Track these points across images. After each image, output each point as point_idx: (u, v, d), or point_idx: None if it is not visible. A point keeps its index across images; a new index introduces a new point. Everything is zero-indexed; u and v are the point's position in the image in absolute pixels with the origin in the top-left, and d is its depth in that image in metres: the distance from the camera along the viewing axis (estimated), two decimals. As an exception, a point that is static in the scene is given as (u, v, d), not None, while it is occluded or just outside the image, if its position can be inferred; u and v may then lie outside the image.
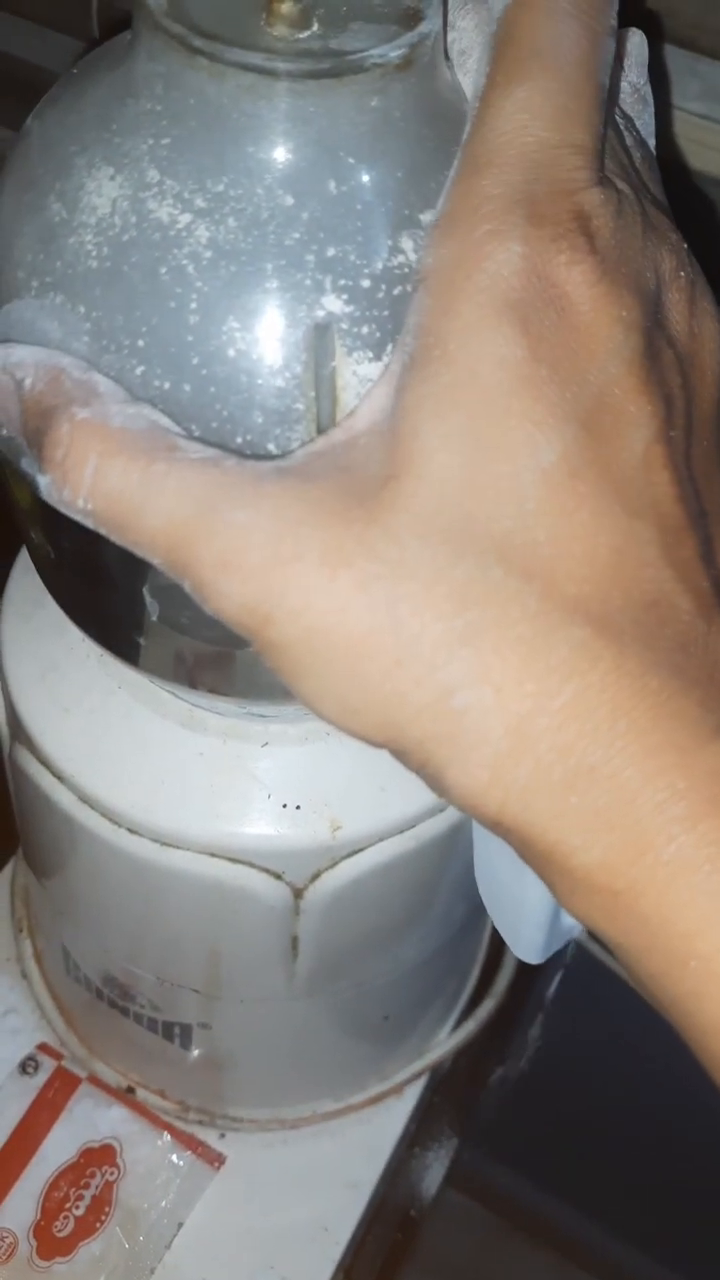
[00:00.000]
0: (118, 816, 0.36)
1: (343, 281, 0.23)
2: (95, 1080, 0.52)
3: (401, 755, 0.21)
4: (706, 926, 0.19)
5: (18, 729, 0.39)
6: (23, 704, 0.38)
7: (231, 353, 0.23)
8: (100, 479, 0.21)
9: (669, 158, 0.42)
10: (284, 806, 0.36)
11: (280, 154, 0.23)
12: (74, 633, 0.35)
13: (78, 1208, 0.50)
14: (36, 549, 0.31)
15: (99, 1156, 0.51)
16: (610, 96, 0.23)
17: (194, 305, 0.23)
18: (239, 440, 0.24)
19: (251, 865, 0.36)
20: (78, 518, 0.21)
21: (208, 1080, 0.51)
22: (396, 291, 0.23)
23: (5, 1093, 0.52)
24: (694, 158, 0.43)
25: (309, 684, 0.20)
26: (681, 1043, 0.21)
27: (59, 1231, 0.49)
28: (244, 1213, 0.51)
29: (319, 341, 0.23)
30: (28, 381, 0.22)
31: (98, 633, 0.33)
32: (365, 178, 0.24)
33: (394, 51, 0.23)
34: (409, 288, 0.23)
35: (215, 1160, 0.52)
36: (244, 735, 0.36)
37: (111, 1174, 0.50)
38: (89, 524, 0.21)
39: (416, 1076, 0.55)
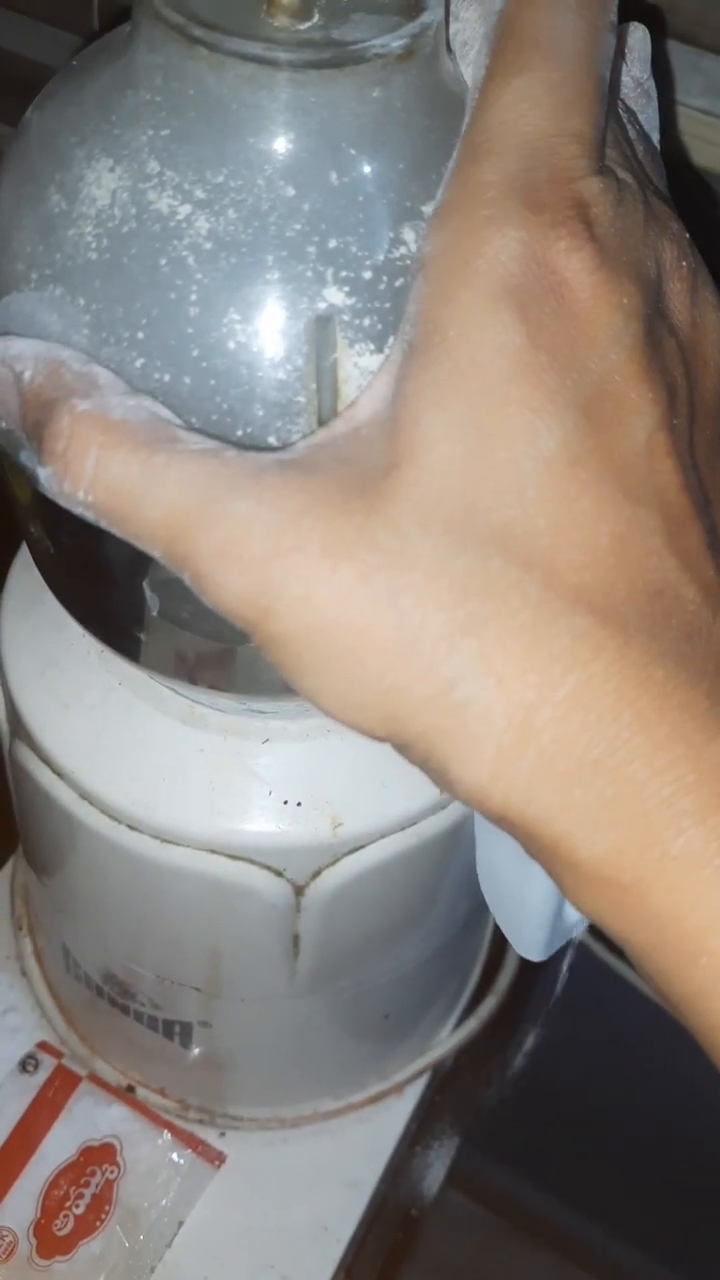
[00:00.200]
0: (118, 813, 0.36)
1: (344, 273, 0.23)
2: (95, 1079, 0.52)
3: (404, 749, 0.21)
4: (718, 923, 0.19)
5: (17, 725, 0.38)
6: (22, 700, 0.38)
7: (232, 345, 0.23)
8: (101, 470, 0.21)
9: (671, 153, 0.42)
10: (285, 803, 0.36)
11: (281, 145, 0.23)
12: (74, 629, 0.35)
13: (78, 1206, 0.49)
14: (36, 544, 0.31)
15: (99, 1155, 0.51)
16: (611, 89, 0.23)
17: (194, 297, 0.23)
18: (240, 433, 0.24)
19: (252, 862, 0.36)
20: (78, 510, 0.21)
21: (208, 1079, 0.50)
22: (398, 283, 0.23)
23: (5, 1091, 0.52)
24: (697, 153, 0.43)
25: (310, 678, 0.20)
26: (683, 1042, 0.21)
27: (59, 1230, 0.49)
28: (244, 1212, 0.51)
29: (320, 333, 0.23)
30: (27, 374, 0.22)
31: (98, 628, 0.33)
32: (367, 169, 0.23)
33: (396, 42, 0.23)
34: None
35: (215, 1159, 0.52)
36: (245, 732, 0.36)
37: (112, 1172, 0.50)
38: (89, 516, 0.21)
39: (418, 1075, 0.54)
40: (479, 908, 0.43)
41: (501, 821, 0.20)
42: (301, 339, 0.23)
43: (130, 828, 0.36)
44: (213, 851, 0.36)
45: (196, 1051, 0.47)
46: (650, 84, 0.28)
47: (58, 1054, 0.53)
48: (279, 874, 0.36)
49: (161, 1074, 0.52)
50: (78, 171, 0.24)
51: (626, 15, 0.26)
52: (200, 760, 0.36)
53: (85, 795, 0.37)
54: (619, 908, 0.20)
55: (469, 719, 0.19)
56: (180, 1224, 0.50)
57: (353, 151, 0.23)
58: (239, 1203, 0.51)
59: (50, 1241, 0.49)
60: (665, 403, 0.21)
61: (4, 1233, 0.49)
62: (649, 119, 0.28)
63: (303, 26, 0.24)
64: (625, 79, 0.27)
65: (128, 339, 0.23)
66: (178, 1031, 0.46)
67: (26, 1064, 0.53)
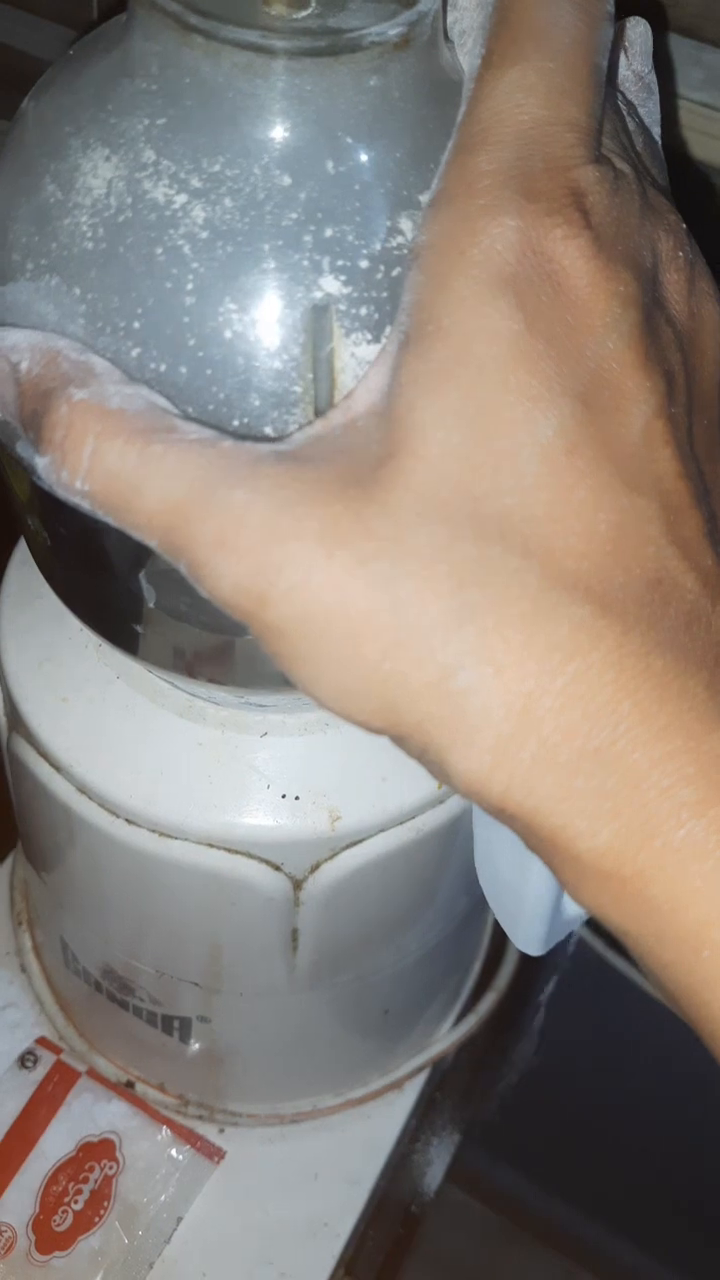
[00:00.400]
0: (116, 807, 0.36)
1: (341, 262, 0.23)
2: (94, 1074, 0.52)
3: (401, 740, 0.21)
4: (719, 915, 0.19)
5: (15, 719, 0.38)
6: (20, 694, 0.38)
7: (228, 334, 0.23)
8: (98, 460, 0.21)
9: (672, 147, 0.42)
10: (283, 797, 0.36)
11: (277, 133, 0.23)
12: (72, 622, 0.35)
13: (76, 1202, 0.49)
14: (33, 537, 0.31)
15: (98, 1151, 0.51)
16: (609, 79, 0.23)
17: (190, 286, 0.23)
18: (236, 423, 0.23)
19: (250, 856, 0.36)
20: (75, 500, 0.21)
21: (207, 1075, 0.50)
22: (395, 272, 0.23)
23: (4, 1087, 0.52)
24: (698, 147, 0.43)
25: (306, 667, 0.20)
26: (683, 1038, 0.21)
27: (58, 1226, 0.49)
28: (243, 1208, 0.51)
29: (317, 323, 0.23)
30: (24, 364, 0.22)
31: (96, 622, 0.33)
32: (363, 157, 0.23)
33: (392, 30, 0.23)
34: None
35: (215, 1155, 0.51)
36: (243, 725, 0.36)
37: (111, 1168, 0.50)
38: (86, 506, 0.21)
39: (417, 1072, 0.54)
40: (478, 903, 0.43)
41: (500, 813, 0.20)
42: (298, 328, 0.23)
43: (128, 822, 0.36)
44: (211, 845, 0.36)
45: (196, 1047, 0.47)
46: (651, 78, 0.28)
47: (57, 1049, 0.53)
48: (277, 868, 0.36)
49: (161, 1069, 0.52)
50: (73, 161, 0.24)
51: (628, 9, 0.26)
52: (198, 754, 0.36)
53: (83, 789, 0.37)
54: (619, 900, 0.20)
55: (468, 707, 0.19)
56: (179, 1220, 0.50)
57: (349, 140, 0.23)
58: (238, 1199, 0.51)
59: (49, 1237, 0.49)
60: (663, 390, 0.21)
61: (3, 1228, 0.49)
62: (650, 113, 0.28)
63: (299, 14, 0.24)
64: (626, 73, 0.27)
65: (124, 328, 0.23)
66: (177, 1027, 0.46)
67: (25, 1059, 0.53)
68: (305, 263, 0.23)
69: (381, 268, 0.23)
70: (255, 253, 0.23)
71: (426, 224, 0.21)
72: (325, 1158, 0.52)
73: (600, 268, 0.20)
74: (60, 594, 0.33)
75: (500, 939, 0.57)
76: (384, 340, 0.23)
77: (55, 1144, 0.51)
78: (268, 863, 0.36)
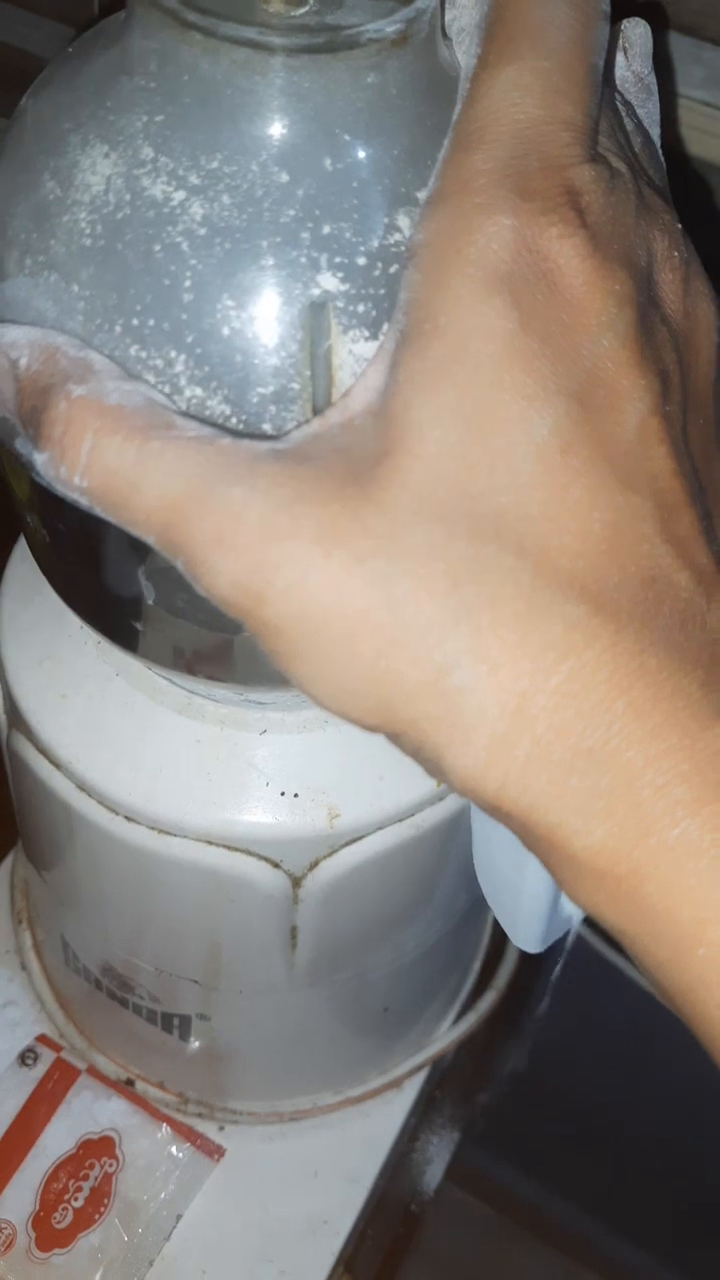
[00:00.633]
0: (115, 804, 0.36)
1: (338, 259, 0.23)
2: (94, 1072, 0.52)
3: (397, 738, 0.21)
4: (715, 913, 0.19)
5: (15, 716, 0.38)
6: (20, 691, 0.38)
7: (226, 331, 0.23)
8: (96, 456, 0.21)
9: (672, 145, 0.42)
10: (282, 794, 0.36)
11: (275, 130, 0.23)
12: (71, 619, 0.35)
13: (77, 1199, 0.49)
14: (33, 534, 0.31)
15: (98, 1148, 0.51)
16: (605, 79, 0.23)
17: (188, 283, 0.23)
18: (234, 420, 0.23)
19: (249, 853, 0.36)
20: (74, 496, 0.21)
21: (207, 1072, 0.50)
22: (393, 269, 0.23)
23: (4, 1084, 0.52)
24: (697, 145, 0.43)
25: (303, 665, 0.20)
26: (683, 1037, 0.21)
27: (58, 1223, 0.49)
28: (243, 1205, 0.51)
29: (314, 320, 0.23)
30: (23, 361, 0.22)
31: (95, 619, 0.33)
32: (361, 154, 0.23)
33: (390, 27, 0.23)
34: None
35: (215, 1153, 0.52)
36: (242, 723, 0.36)
37: (110, 1166, 0.50)
38: (84, 503, 0.21)
39: (417, 1070, 0.54)
40: (477, 901, 0.43)
41: (495, 811, 0.20)
42: (296, 325, 0.23)
43: (127, 819, 0.36)
44: (210, 843, 0.36)
45: (195, 1045, 0.47)
46: (651, 79, 0.28)
47: (57, 1047, 0.53)
48: (276, 865, 0.36)
49: (161, 1067, 0.52)
50: (72, 158, 0.24)
51: (629, 7, 0.26)
52: (197, 751, 0.36)
53: (83, 786, 0.37)
54: (614, 898, 0.20)
55: (463, 706, 0.19)
56: (179, 1217, 0.50)
57: (347, 137, 0.23)
58: (238, 1197, 0.51)
59: (49, 1234, 0.49)
60: (658, 389, 0.21)
61: (3, 1225, 0.49)
62: (649, 114, 0.28)
63: (297, 11, 0.24)
64: (626, 73, 0.27)
65: (122, 325, 0.23)
66: (177, 1025, 0.46)
67: (26, 1057, 0.53)
68: (303, 259, 0.23)
69: (379, 265, 0.23)
70: (253, 249, 0.23)
71: (423, 222, 0.21)
72: (325, 1155, 0.52)
73: (595, 266, 0.20)
74: (59, 591, 0.34)
75: (500, 937, 0.57)
76: (381, 337, 0.23)
77: (55, 1141, 0.51)
78: (267, 860, 0.36)
